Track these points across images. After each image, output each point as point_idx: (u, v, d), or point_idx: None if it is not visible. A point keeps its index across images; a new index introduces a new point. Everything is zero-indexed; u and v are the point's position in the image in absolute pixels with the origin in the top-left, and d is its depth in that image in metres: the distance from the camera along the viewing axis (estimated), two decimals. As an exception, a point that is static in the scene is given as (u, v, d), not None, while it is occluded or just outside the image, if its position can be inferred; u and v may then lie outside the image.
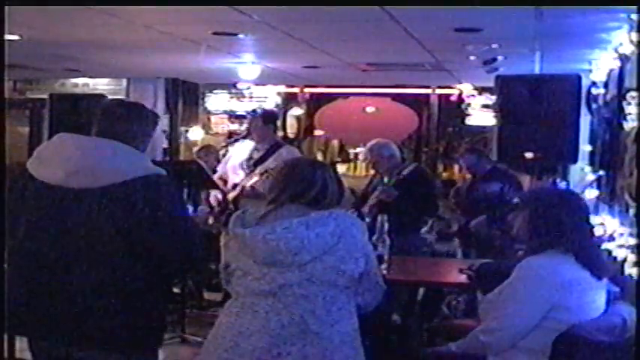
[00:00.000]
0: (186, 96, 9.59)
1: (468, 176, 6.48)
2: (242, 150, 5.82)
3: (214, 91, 9.87)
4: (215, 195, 5.68)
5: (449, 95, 9.87)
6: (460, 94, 9.58)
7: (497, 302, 2.89)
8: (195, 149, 7.67)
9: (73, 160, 2.60)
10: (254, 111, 6.28)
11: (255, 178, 5.47)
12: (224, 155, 6.59)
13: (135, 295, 2.61)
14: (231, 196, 5.58)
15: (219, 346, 2.51)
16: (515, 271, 2.88)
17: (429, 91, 10.05)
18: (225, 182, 5.77)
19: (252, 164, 5.63)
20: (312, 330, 2.44)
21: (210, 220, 5.77)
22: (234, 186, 5.62)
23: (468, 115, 9.56)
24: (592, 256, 2.88)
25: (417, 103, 10.13)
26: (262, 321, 2.45)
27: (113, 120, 2.71)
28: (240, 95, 9.80)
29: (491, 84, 5.62)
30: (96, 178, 2.57)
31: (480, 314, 3.11)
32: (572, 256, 2.82)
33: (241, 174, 5.66)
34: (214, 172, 6.37)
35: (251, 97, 9.79)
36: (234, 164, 5.76)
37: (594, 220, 5.17)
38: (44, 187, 2.63)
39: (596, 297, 2.88)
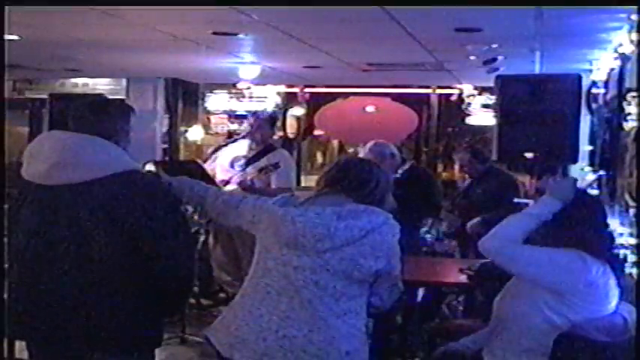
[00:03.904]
0: (186, 96, 9.58)
1: (467, 177, 6.47)
2: (233, 149, 5.85)
3: (214, 91, 9.86)
4: None
5: (449, 95, 9.87)
6: (460, 94, 9.58)
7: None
8: (209, 151, 7.68)
9: (54, 154, 2.60)
10: (257, 112, 6.30)
11: (253, 175, 5.49)
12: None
13: (128, 295, 2.59)
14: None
15: (230, 324, 2.55)
16: (562, 250, 2.79)
17: (429, 91, 10.06)
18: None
19: (244, 163, 5.66)
20: (320, 317, 2.45)
21: (196, 217, 5.78)
22: (224, 183, 5.64)
23: (468, 115, 9.56)
24: (618, 265, 2.89)
25: (417, 103, 10.13)
26: (273, 302, 2.48)
27: (84, 118, 2.71)
28: (240, 95, 9.80)
29: (491, 84, 5.63)
30: (77, 171, 2.56)
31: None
32: (606, 263, 2.80)
33: (231, 172, 5.68)
34: None
35: (251, 97, 9.78)
36: (224, 162, 5.79)
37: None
38: (33, 188, 2.64)
39: (613, 301, 2.87)
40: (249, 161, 5.67)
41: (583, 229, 2.82)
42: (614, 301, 2.86)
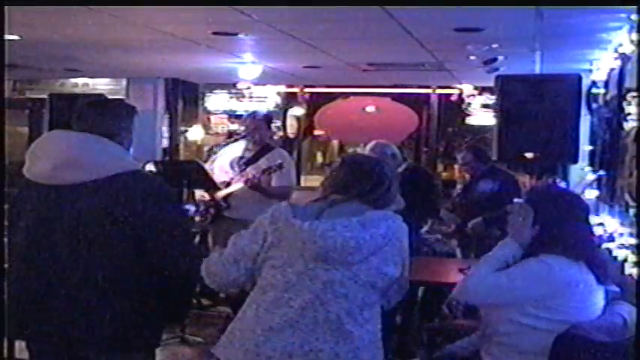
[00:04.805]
0: (186, 96, 9.59)
1: (468, 176, 6.48)
2: (231, 150, 5.85)
3: (214, 91, 9.87)
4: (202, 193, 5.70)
5: (449, 95, 9.88)
6: (460, 94, 9.59)
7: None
8: (206, 149, 7.70)
9: (59, 154, 2.61)
10: (254, 112, 6.28)
11: (257, 175, 5.49)
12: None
13: (129, 295, 2.59)
14: (221, 193, 5.59)
15: (247, 341, 2.44)
16: (528, 261, 2.84)
17: (429, 91, 10.06)
18: None
19: (243, 164, 5.65)
20: (346, 329, 2.42)
21: (197, 218, 5.79)
22: (225, 184, 5.64)
23: (469, 115, 9.57)
24: (600, 263, 2.88)
25: (417, 103, 10.14)
26: (296, 316, 2.42)
27: (87, 117, 2.71)
28: (240, 95, 9.81)
29: (491, 84, 5.63)
30: (82, 171, 2.56)
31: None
32: (583, 263, 2.81)
33: (231, 173, 5.68)
34: None
35: (251, 97, 9.80)
36: (223, 163, 5.79)
37: (594, 220, 5.18)
38: (35, 188, 2.64)
39: (598, 299, 2.88)
40: (249, 162, 5.66)
41: (556, 231, 2.84)
42: (599, 298, 2.87)
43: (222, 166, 5.78)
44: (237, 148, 5.81)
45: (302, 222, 2.45)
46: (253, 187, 5.43)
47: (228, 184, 5.62)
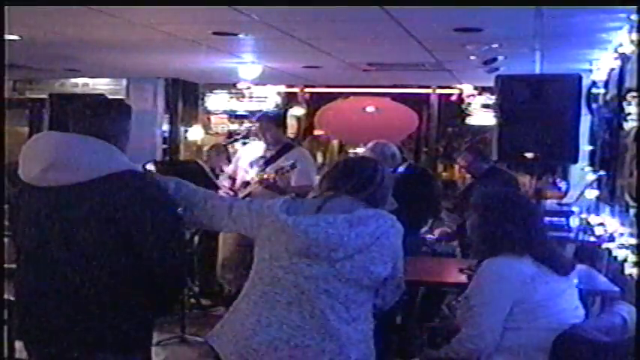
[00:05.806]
0: (186, 96, 9.58)
1: (468, 176, 6.48)
2: (252, 149, 5.89)
3: (214, 91, 9.86)
4: (225, 191, 5.71)
5: (449, 95, 9.87)
6: (460, 94, 9.58)
7: (469, 307, 2.91)
8: (205, 148, 7.71)
9: (47, 155, 2.59)
10: (261, 113, 6.31)
11: (272, 175, 5.49)
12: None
13: (121, 295, 2.59)
14: (243, 193, 5.62)
15: (236, 334, 2.50)
16: (477, 275, 2.92)
17: (429, 91, 10.06)
18: (234, 180, 5.82)
19: (263, 163, 5.67)
20: (332, 325, 2.43)
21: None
22: (245, 184, 5.66)
23: (468, 115, 9.56)
24: (548, 254, 2.91)
25: (417, 103, 10.13)
26: (283, 312, 2.46)
27: (82, 118, 2.69)
28: (240, 95, 9.80)
29: (491, 84, 5.64)
30: (71, 173, 2.55)
31: (457, 319, 3.14)
32: (528, 257, 2.87)
33: (251, 172, 5.70)
34: (222, 170, 6.43)
35: (251, 97, 9.78)
36: (243, 163, 5.81)
37: (594, 219, 5.19)
38: (30, 189, 2.63)
39: (565, 291, 2.89)
40: (268, 161, 5.68)
41: (497, 231, 2.94)
42: (564, 287, 2.90)
43: (243, 166, 5.81)
44: (259, 148, 5.84)
45: (287, 217, 2.48)
46: (269, 187, 5.43)
47: (247, 184, 5.64)
